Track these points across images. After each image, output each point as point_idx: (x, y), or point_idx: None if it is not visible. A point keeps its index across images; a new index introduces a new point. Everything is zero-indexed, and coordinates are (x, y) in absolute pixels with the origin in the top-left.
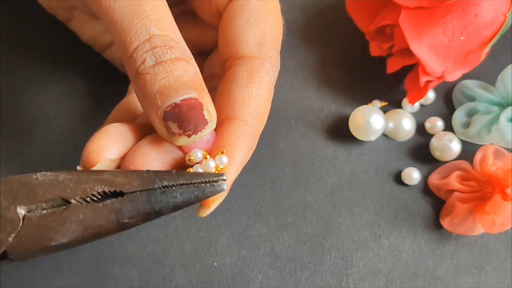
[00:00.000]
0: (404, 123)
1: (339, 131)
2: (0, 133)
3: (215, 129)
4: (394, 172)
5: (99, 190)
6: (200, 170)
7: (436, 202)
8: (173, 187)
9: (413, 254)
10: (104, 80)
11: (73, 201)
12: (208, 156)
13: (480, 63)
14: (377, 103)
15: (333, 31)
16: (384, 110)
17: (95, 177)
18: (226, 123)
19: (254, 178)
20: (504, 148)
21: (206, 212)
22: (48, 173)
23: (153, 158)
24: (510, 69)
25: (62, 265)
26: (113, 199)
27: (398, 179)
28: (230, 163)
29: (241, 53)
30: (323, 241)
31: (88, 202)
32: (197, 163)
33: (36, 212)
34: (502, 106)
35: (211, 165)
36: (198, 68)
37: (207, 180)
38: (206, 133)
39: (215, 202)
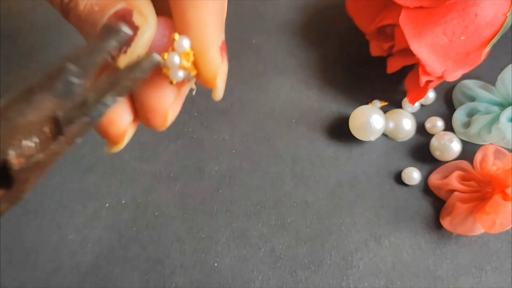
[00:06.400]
0: (404, 123)
1: (339, 131)
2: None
3: (169, 17)
4: (394, 172)
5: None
6: (180, 75)
7: (436, 202)
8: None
9: (414, 254)
10: None
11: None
12: (166, 55)
13: (480, 63)
14: (377, 103)
15: (333, 31)
16: (384, 110)
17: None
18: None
19: (254, 178)
20: (504, 148)
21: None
22: None
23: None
24: (510, 69)
25: (62, 266)
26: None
27: (398, 179)
28: (202, 40)
29: None
30: (323, 241)
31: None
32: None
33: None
34: (502, 106)
35: (176, 61)
36: None
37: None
38: (144, 40)
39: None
